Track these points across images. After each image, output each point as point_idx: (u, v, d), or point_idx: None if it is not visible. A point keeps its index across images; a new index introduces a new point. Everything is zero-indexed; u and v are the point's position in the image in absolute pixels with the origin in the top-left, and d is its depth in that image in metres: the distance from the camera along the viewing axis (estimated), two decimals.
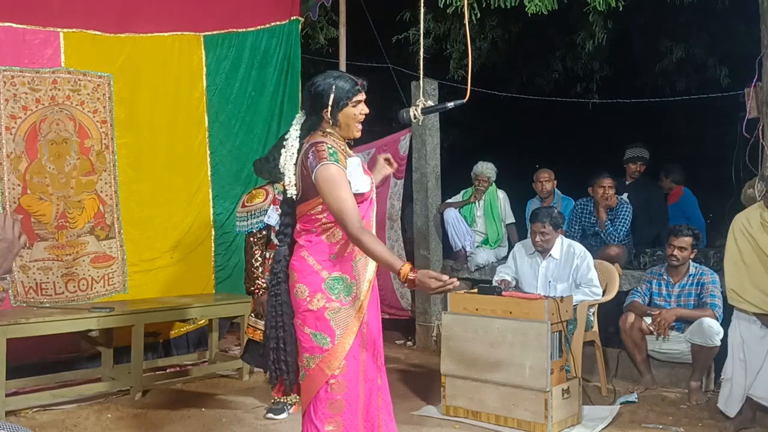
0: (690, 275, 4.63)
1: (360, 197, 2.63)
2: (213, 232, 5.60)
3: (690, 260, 4.64)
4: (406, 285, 2.52)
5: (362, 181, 2.63)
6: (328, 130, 2.69)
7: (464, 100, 2.88)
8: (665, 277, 4.71)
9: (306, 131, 2.72)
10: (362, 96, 2.69)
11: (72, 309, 4.61)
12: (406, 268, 2.47)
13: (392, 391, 4.62)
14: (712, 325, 4.28)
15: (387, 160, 2.99)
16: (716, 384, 4.38)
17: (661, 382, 4.74)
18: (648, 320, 4.63)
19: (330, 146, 2.61)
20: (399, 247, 6.51)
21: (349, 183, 2.58)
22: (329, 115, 2.65)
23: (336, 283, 2.63)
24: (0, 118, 4.71)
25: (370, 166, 2.96)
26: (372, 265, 2.72)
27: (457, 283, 2.51)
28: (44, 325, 4.25)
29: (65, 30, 4.92)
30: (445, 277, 2.45)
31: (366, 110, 2.71)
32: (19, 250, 1.68)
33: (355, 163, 2.63)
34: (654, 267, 4.93)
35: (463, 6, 4.76)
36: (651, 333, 4.61)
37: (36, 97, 4.83)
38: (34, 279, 4.77)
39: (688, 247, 4.58)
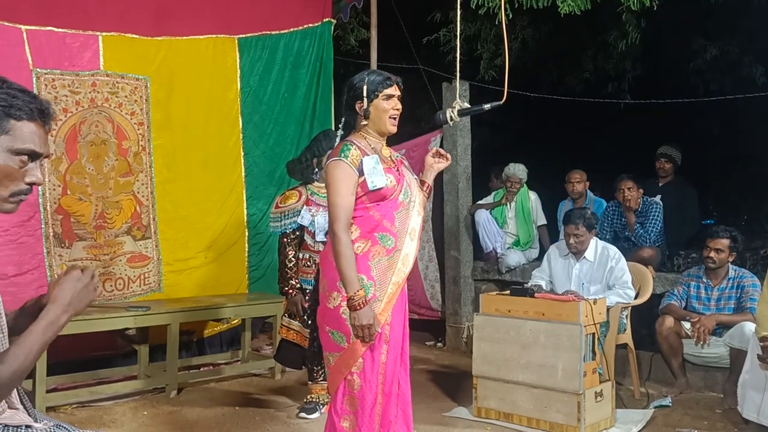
0: (729, 278, 4.54)
1: (378, 194, 2.68)
2: (246, 233, 5.65)
3: (729, 263, 4.56)
4: (346, 307, 2.61)
5: (379, 178, 2.68)
6: (363, 129, 2.77)
7: (501, 102, 2.88)
8: (704, 280, 4.62)
9: (347, 131, 2.82)
10: (394, 90, 2.76)
11: (110, 308, 4.69)
12: (360, 293, 2.56)
13: (423, 391, 4.69)
14: (753, 329, 4.18)
15: (437, 153, 2.97)
16: None
17: (696, 385, 4.68)
18: (687, 325, 4.56)
19: (349, 145, 2.70)
20: (430, 247, 6.52)
21: (356, 180, 2.66)
22: (362, 108, 2.73)
23: None
24: None
25: (417, 170, 2.98)
26: (404, 267, 2.73)
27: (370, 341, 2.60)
28: (84, 323, 4.33)
29: (104, 33, 5.01)
30: (375, 332, 2.55)
31: (399, 106, 2.77)
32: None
33: (371, 161, 2.69)
34: (692, 269, 4.82)
35: (497, 6, 4.75)
36: (688, 337, 4.53)
37: (76, 99, 4.93)
38: None
39: (726, 249, 4.49)
